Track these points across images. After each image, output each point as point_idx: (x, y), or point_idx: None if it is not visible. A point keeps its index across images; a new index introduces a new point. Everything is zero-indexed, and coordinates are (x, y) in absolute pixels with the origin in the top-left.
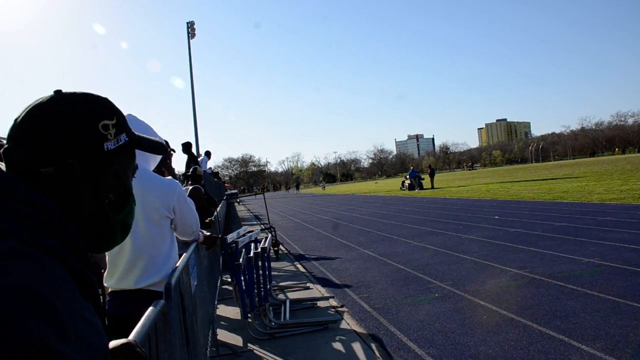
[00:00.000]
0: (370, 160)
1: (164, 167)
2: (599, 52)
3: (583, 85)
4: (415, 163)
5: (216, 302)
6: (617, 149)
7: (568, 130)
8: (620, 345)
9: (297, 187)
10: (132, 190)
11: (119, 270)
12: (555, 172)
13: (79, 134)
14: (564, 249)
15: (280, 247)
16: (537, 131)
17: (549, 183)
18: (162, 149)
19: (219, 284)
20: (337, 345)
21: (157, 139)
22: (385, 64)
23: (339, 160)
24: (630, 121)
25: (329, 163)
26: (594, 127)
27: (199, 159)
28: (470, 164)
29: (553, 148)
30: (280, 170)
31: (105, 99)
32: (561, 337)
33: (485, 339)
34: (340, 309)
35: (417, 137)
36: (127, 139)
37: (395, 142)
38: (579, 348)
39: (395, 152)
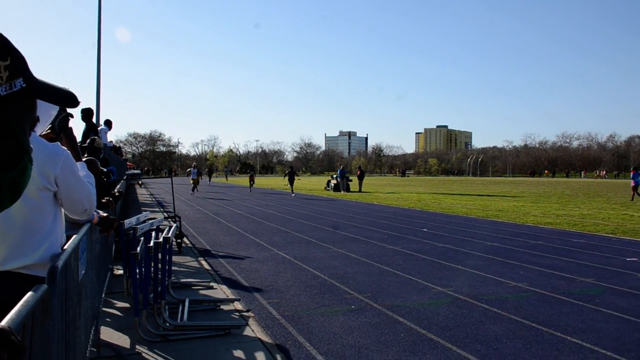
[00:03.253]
0: (296, 154)
1: (63, 134)
2: (556, 67)
3: (533, 100)
4: (344, 162)
5: (103, 295)
6: (546, 171)
7: (511, 146)
8: None
9: (210, 175)
10: (29, 147)
11: None
12: (492, 189)
13: None
14: (492, 270)
15: (185, 239)
16: (478, 142)
17: (484, 199)
18: (72, 100)
19: (108, 275)
20: (239, 354)
21: (65, 88)
22: (321, 53)
23: (260, 150)
24: (575, 144)
25: (248, 152)
26: (537, 145)
27: (98, 129)
28: (402, 169)
29: (493, 163)
30: (192, 153)
31: None
32: None
33: (400, 358)
34: (245, 313)
35: (350, 135)
36: (24, 85)
37: (325, 137)
38: None
39: (323, 148)
